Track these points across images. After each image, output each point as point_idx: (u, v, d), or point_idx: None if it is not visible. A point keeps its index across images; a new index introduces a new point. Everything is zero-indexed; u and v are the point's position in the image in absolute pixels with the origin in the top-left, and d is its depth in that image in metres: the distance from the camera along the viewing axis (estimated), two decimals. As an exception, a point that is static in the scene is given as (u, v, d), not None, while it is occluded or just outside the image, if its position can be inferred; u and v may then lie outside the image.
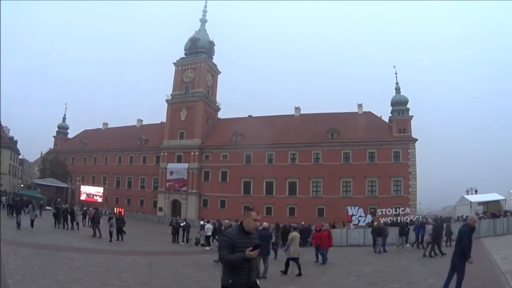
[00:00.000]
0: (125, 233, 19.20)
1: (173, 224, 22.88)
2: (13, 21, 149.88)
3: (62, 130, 69.11)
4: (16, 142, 66.34)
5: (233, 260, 3.38)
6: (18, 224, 18.61)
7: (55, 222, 23.05)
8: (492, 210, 30.53)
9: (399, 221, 28.49)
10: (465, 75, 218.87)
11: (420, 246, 18.84)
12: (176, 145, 54.07)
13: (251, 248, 3.36)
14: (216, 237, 18.42)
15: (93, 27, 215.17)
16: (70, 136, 70.07)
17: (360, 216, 34.01)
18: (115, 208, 42.50)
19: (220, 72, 60.57)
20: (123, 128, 64.49)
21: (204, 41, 57.51)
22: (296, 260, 11.13)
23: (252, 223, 3.57)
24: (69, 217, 23.37)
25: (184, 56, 57.85)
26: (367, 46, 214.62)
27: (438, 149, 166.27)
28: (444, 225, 19.56)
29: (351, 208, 34.96)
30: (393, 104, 47.70)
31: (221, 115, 59.99)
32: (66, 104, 72.25)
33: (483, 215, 29.00)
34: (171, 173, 53.19)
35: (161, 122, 59.54)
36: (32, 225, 18.32)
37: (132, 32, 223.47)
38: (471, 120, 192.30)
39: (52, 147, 68.04)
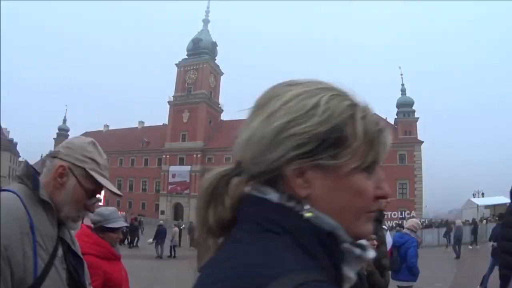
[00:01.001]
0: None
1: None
2: (13, 22, 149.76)
3: (63, 132, 68.52)
4: (15, 144, 65.82)
5: None
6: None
7: None
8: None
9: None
10: (474, 76, 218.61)
11: None
12: (178, 147, 53.58)
13: None
14: None
15: (94, 28, 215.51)
16: (70, 138, 69.40)
17: (366, 219, 33.81)
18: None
19: (223, 73, 60.19)
20: (124, 130, 63.87)
21: (206, 41, 57.02)
22: None
23: None
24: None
25: (186, 57, 57.54)
26: (372, 46, 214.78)
27: (445, 152, 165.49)
28: None
29: (356, 212, 34.77)
30: (399, 105, 47.46)
31: (224, 116, 59.41)
32: (66, 105, 72.03)
33: (490, 218, 28.35)
34: (173, 175, 52.60)
35: (163, 124, 59.04)
36: None
37: (134, 32, 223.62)
38: (478, 122, 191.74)
39: (52, 149, 67.22)
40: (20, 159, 67.83)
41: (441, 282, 9.70)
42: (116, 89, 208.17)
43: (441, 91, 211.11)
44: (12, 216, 1.05)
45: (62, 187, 1.19)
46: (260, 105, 0.55)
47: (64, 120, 69.01)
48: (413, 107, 46.81)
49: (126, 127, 65.32)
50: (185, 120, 54.28)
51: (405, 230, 6.12)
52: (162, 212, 51.79)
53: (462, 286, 9.78)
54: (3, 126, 58.45)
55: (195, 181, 51.52)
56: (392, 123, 47.92)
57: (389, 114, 52.39)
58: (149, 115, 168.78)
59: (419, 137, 45.02)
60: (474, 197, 39.63)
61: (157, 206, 53.61)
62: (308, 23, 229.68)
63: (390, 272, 4.43)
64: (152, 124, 62.85)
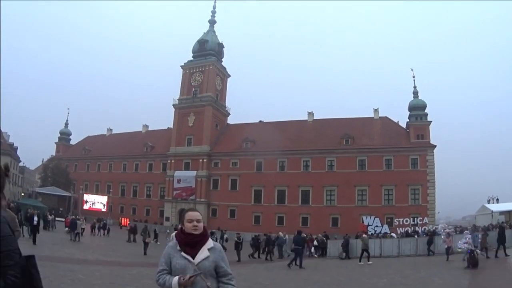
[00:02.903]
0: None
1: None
2: (14, 24, 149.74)
3: (65, 136, 67.76)
4: (16, 148, 65.01)
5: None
6: None
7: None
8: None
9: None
10: (487, 78, 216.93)
11: None
12: (183, 152, 52.55)
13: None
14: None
15: (97, 30, 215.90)
16: (72, 142, 68.63)
17: (376, 226, 34.06)
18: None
19: (230, 76, 59.31)
20: (128, 134, 62.97)
21: (213, 43, 56.15)
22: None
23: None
24: None
25: (192, 58, 56.67)
26: (383, 48, 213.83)
27: (458, 156, 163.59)
28: None
29: (366, 218, 35.39)
30: (411, 108, 46.61)
31: (230, 120, 58.57)
32: (68, 109, 71.17)
33: (505, 224, 27.77)
34: (179, 181, 51.59)
35: (168, 128, 58.14)
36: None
37: (138, 33, 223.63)
38: (493, 126, 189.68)
39: (54, 154, 66.56)
40: (20, 164, 66.84)
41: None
42: (119, 92, 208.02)
43: (458, 94, 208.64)
44: None
45: None
46: None
47: (66, 124, 68.09)
48: (426, 110, 45.85)
49: (130, 131, 64.38)
50: (190, 124, 53.26)
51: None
52: (167, 219, 50.77)
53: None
54: (3, 130, 57.49)
55: (201, 187, 50.56)
56: (404, 126, 47.13)
57: (401, 117, 51.49)
58: (154, 119, 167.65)
59: (432, 141, 44.04)
60: (488, 203, 38.89)
61: (161, 212, 52.52)
62: (317, 24, 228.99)
63: None
64: (157, 128, 62.12)
